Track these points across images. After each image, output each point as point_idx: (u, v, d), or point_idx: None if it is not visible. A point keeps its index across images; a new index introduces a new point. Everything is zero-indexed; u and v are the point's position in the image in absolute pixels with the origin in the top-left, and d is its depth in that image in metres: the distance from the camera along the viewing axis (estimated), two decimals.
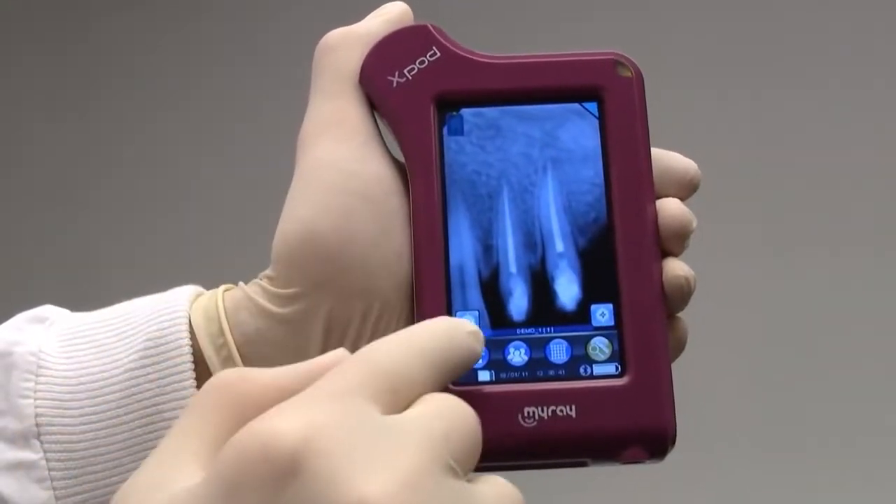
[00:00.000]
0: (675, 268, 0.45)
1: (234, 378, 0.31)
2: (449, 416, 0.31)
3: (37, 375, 0.44)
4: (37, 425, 0.43)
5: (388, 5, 0.48)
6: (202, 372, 0.44)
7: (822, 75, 1.88)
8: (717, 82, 1.90)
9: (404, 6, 0.48)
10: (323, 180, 0.45)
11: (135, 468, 0.33)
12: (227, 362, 0.44)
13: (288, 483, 0.28)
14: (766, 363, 1.79)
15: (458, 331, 0.34)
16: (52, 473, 0.43)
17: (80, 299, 0.55)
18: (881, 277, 1.81)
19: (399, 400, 0.31)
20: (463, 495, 0.30)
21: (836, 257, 1.81)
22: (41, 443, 0.43)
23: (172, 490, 0.29)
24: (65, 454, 0.43)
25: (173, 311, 0.45)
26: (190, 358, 0.44)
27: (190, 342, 0.44)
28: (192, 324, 0.45)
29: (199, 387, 0.44)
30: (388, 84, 0.46)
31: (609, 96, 0.46)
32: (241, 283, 0.47)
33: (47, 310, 0.47)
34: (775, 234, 1.84)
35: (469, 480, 0.31)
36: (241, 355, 0.44)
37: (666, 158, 0.46)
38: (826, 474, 1.71)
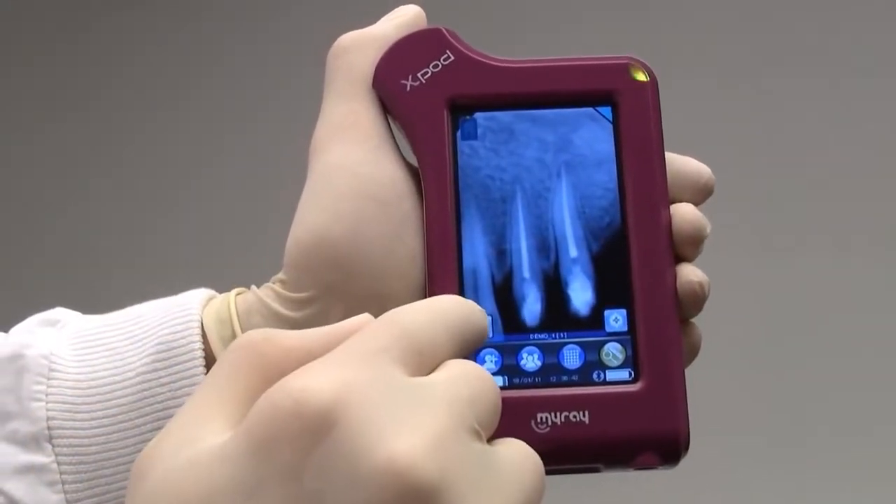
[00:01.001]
0: (689, 273, 0.44)
1: (260, 339, 0.32)
2: (473, 381, 0.32)
3: (48, 378, 0.44)
4: (48, 428, 0.43)
5: (402, 8, 0.48)
6: None
7: (822, 76, 1.89)
8: (718, 83, 1.90)
9: (418, 9, 0.48)
10: (336, 184, 0.45)
11: None
12: None
13: (319, 440, 0.28)
14: (771, 364, 1.79)
15: (472, 307, 0.35)
16: (64, 477, 0.43)
17: (90, 302, 0.55)
18: (885, 276, 1.81)
19: (424, 363, 0.31)
20: (485, 457, 0.30)
21: (841, 257, 1.81)
22: (53, 446, 0.43)
23: (199, 448, 0.29)
24: (76, 458, 0.43)
25: (185, 314, 0.45)
26: (202, 362, 0.44)
27: (202, 346, 0.44)
28: (205, 327, 0.45)
29: None
30: (402, 87, 0.46)
31: (623, 101, 0.46)
32: (253, 287, 0.46)
33: (59, 312, 0.47)
34: (779, 235, 1.84)
35: (490, 443, 0.32)
36: None
37: (679, 163, 0.46)
38: (830, 474, 1.71)
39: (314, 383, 0.29)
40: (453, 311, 0.34)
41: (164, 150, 1.99)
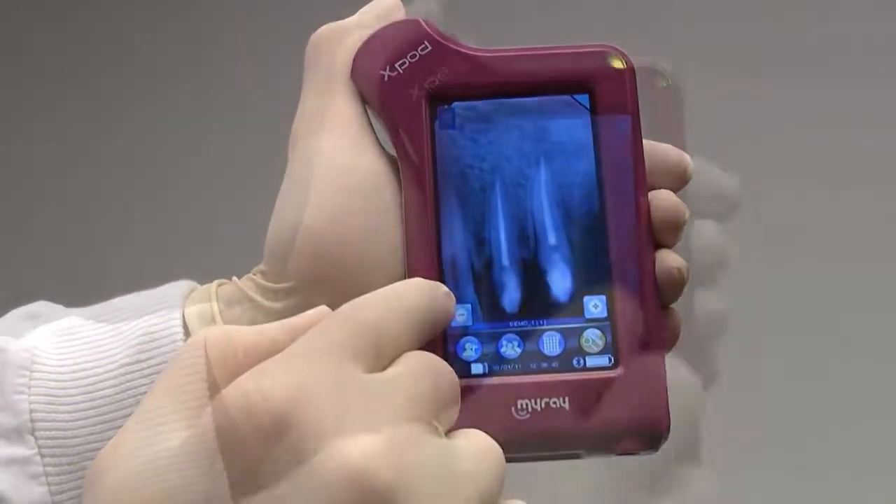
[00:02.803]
0: (669, 259, 0.45)
1: (217, 336, 0.32)
2: (429, 374, 0.32)
3: (31, 371, 0.44)
4: (31, 421, 0.43)
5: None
6: None
7: (819, 73, 1.88)
8: (712, 78, 1.89)
9: (396, 0, 0.48)
10: (315, 175, 0.45)
11: None
12: None
13: (274, 443, 0.28)
14: (761, 360, 1.79)
15: (437, 290, 0.35)
16: (47, 469, 0.43)
17: (74, 295, 0.55)
18: (879, 275, 1.81)
19: (381, 356, 0.32)
20: (443, 452, 0.30)
21: (833, 254, 1.81)
22: (35, 438, 0.43)
23: (154, 451, 0.29)
24: (59, 450, 0.43)
25: (167, 306, 0.45)
26: None
27: (184, 337, 0.44)
28: (186, 319, 0.45)
29: None
30: (380, 78, 0.46)
31: (601, 89, 0.46)
32: (234, 278, 0.47)
33: (41, 306, 0.47)
34: (770, 231, 1.84)
35: (448, 436, 0.32)
36: None
37: (658, 150, 0.46)
38: (823, 472, 1.71)
39: (268, 385, 0.29)
40: (413, 297, 0.34)
41: (156, 144, 2.00)
